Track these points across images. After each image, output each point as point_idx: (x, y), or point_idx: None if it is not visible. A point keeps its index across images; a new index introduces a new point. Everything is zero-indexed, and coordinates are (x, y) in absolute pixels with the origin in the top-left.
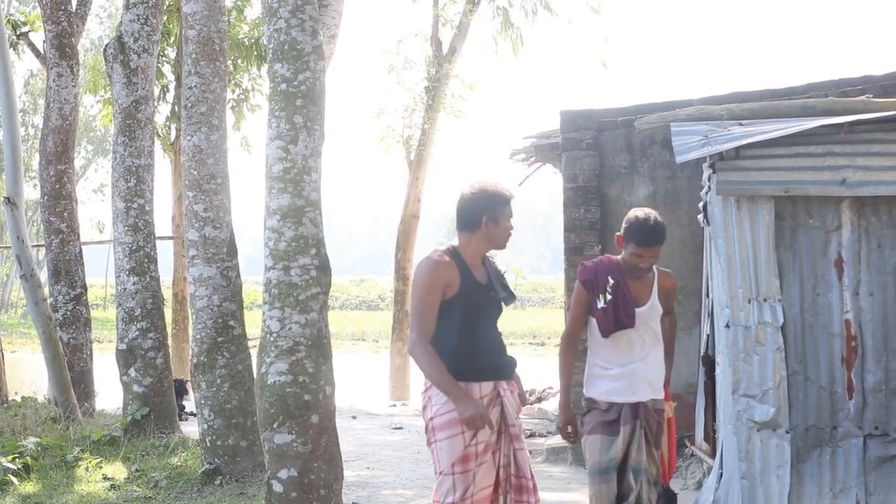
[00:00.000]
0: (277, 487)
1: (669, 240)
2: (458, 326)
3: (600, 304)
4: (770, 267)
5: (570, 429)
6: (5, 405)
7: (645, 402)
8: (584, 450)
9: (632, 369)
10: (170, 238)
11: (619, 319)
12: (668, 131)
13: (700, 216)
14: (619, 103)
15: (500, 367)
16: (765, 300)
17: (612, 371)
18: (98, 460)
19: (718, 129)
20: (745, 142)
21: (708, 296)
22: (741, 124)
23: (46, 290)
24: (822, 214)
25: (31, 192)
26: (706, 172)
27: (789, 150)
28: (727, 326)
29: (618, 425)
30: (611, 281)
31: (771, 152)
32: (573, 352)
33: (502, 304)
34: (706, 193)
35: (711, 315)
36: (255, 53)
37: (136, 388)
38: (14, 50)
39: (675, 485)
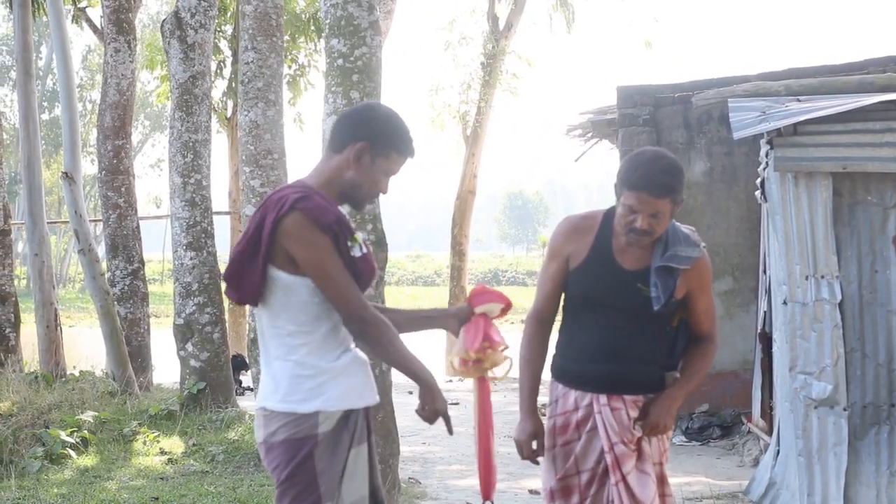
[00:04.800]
0: None
1: (727, 216)
2: (567, 312)
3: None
4: (828, 243)
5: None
6: (63, 379)
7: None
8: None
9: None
10: (226, 213)
11: None
12: (726, 107)
13: (757, 193)
14: (675, 79)
15: (599, 377)
16: (822, 277)
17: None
18: (155, 434)
19: (776, 105)
20: (803, 118)
21: (765, 272)
22: (799, 100)
23: (104, 265)
24: (880, 191)
25: (89, 167)
26: (764, 149)
27: (847, 126)
28: (784, 303)
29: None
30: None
31: (829, 128)
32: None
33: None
34: (764, 170)
35: (769, 292)
36: (312, 28)
37: (192, 362)
38: (76, 22)
39: (731, 462)
